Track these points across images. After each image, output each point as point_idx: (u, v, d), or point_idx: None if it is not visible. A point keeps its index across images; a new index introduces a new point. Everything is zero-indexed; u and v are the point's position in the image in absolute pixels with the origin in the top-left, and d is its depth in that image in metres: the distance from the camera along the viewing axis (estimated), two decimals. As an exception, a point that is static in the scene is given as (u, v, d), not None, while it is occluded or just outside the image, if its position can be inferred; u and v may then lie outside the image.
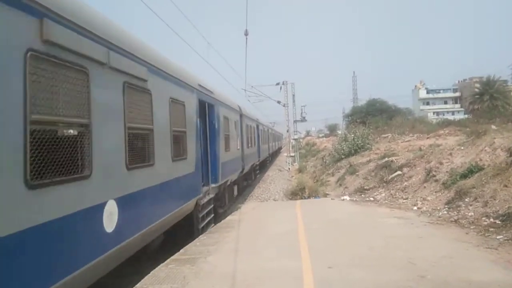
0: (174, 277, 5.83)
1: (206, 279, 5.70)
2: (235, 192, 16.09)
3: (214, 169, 11.00)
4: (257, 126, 24.21)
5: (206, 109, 10.65)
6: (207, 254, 7.05)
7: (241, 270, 6.03)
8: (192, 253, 7.23)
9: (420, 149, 16.82)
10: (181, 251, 7.49)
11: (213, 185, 10.79)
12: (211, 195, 10.37)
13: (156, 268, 6.30)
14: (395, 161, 15.78)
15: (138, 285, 5.55)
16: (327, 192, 16.53)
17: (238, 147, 15.48)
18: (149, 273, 6.05)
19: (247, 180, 21.61)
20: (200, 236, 8.81)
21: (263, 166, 31.56)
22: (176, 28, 13.52)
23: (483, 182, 9.69)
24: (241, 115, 16.67)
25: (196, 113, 9.23)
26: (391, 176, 14.34)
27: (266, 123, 37.23)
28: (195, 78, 9.57)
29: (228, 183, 13.30)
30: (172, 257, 6.99)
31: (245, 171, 17.73)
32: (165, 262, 6.66)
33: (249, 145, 19.33)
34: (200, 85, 9.76)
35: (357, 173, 17.46)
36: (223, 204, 13.10)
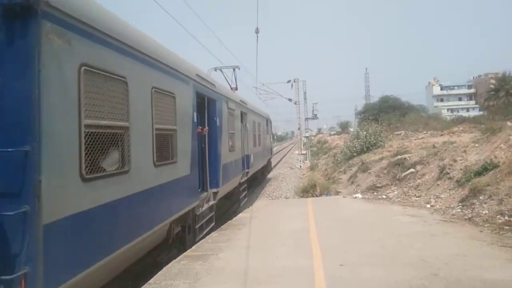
0: (187, 273, 5.90)
1: (218, 276, 5.76)
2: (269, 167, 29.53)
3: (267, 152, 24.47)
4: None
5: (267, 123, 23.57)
6: (219, 251, 7.12)
7: (252, 267, 6.08)
8: (204, 250, 7.30)
9: (434, 147, 16.58)
10: (193, 247, 7.58)
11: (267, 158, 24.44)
12: (266, 163, 23.78)
13: (169, 265, 6.39)
14: (408, 158, 15.60)
15: (151, 281, 5.63)
16: (339, 190, 16.47)
17: (268, 141, 26.70)
18: (161, 269, 6.14)
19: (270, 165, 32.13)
20: (212, 233, 8.95)
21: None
22: (185, 25, 13.67)
23: (498, 180, 9.52)
24: (270, 121, 27.31)
25: (267, 127, 22.74)
26: (404, 174, 14.20)
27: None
28: (267, 111, 24.58)
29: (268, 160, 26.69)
30: (184, 254, 7.08)
31: (271, 157, 30.19)
32: (177, 258, 6.75)
33: (271, 140, 30.93)
34: (268, 116, 23.75)
35: (369, 171, 17.31)
36: (268, 170, 26.98)
